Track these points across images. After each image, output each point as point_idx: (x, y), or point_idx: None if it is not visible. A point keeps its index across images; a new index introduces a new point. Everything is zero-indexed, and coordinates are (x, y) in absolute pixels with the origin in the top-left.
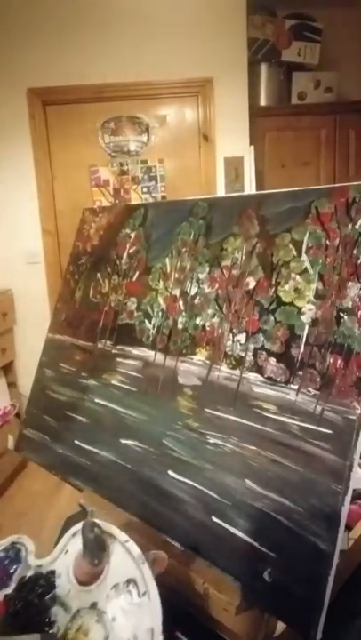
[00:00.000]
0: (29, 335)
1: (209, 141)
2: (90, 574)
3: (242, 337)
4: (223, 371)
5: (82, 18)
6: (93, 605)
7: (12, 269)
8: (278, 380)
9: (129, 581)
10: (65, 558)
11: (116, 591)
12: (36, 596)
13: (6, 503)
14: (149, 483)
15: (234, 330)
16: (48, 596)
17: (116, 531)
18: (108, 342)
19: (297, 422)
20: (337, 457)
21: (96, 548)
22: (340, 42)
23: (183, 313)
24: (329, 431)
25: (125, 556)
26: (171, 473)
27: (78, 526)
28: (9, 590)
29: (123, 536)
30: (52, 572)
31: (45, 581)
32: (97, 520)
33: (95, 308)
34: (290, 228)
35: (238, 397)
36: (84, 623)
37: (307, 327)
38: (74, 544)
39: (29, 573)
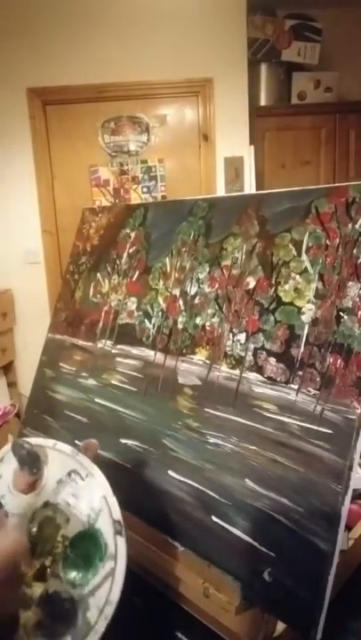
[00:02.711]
0: (29, 335)
1: (209, 141)
2: (32, 483)
3: (242, 337)
4: (223, 370)
5: (82, 18)
6: (46, 504)
7: (12, 269)
8: (278, 379)
9: (70, 473)
10: (1, 482)
11: (62, 485)
12: None
13: None
14: (149, 483)
15: (234, 329)
16: None
17: (42, 440)
18: (108, 342)
19: (297, 422)
20: (337, 457)
21: (32, 460)
22: (340, 42)
23: (183, 313)
24: (329, 431)
25: (60, 456)
26: (171, 473)
27: (4, 450)
28: None
29: (50, 441)
30: None
31: None
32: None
33: (95, 307)
34: (290, 228)
35: (238, 397)
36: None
37: (307, 327)
38: (4, 468)
39: None
